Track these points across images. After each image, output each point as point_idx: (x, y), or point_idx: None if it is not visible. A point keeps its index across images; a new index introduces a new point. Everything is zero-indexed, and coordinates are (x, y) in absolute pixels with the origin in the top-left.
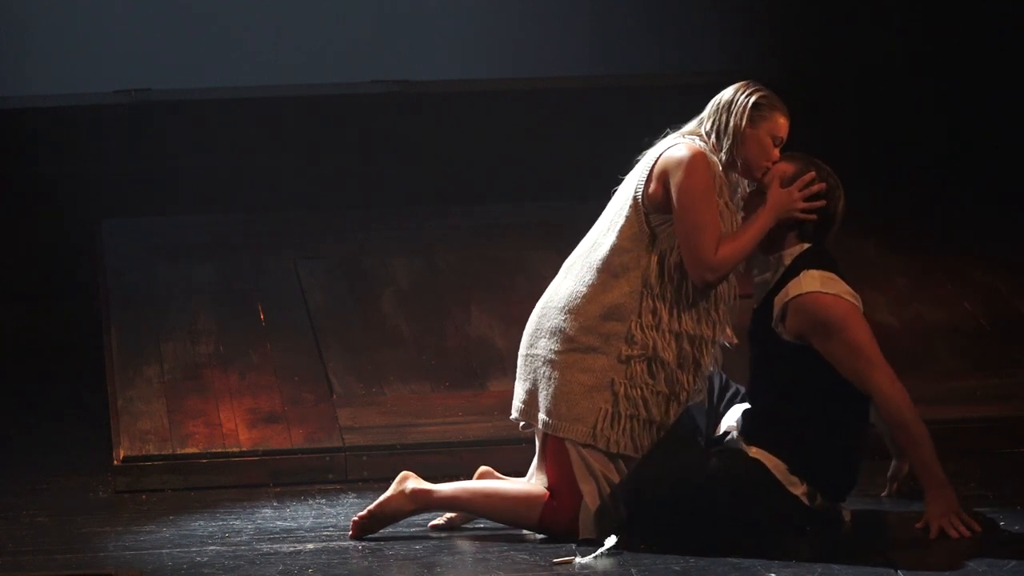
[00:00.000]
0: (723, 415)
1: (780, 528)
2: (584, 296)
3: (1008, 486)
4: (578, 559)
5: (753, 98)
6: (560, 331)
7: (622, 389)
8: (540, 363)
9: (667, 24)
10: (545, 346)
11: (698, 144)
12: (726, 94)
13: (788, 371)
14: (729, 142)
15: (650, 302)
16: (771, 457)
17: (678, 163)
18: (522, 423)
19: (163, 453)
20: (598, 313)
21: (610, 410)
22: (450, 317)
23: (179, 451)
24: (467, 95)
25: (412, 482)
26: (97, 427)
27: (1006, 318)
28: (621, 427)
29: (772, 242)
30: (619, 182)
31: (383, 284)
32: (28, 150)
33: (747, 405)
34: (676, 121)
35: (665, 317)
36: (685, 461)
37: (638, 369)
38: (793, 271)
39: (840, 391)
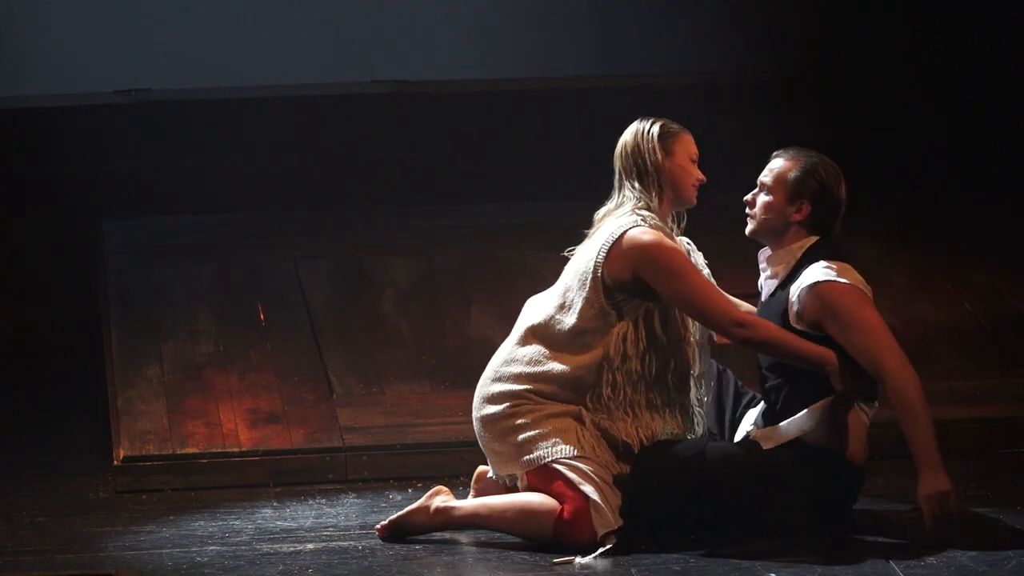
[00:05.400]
0: (739, 421)
1: (785, 522)
2: (542, 365)
3: (1008, 486)
4: (578, 559)
5: (656, 129)
6: (515, 394)
7: (588, 420)
8: (500, 419)
9: (667, 24)
10: (502, 407)
11: (649, 224)
12: (628, 141)
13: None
14: (658, 183)
15: (610, 376)
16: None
17: (643, 250)
18: (500, 478)
19: (163, 453)
20: (557, 383)
21: (581, 426)
22: (450, 317)
23: (179, 451)
24: (467, 95)
25: (440, 499)
26: (97, 427)
27: (1006, 318)
28: (597, 438)
29: (779, 236)
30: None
31: (383, 284)
32: (28, 150)
33: (762, 406)
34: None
35: (628, 391)
36: (689, 446)
37: (599, 420)
38: (806, 261)
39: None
